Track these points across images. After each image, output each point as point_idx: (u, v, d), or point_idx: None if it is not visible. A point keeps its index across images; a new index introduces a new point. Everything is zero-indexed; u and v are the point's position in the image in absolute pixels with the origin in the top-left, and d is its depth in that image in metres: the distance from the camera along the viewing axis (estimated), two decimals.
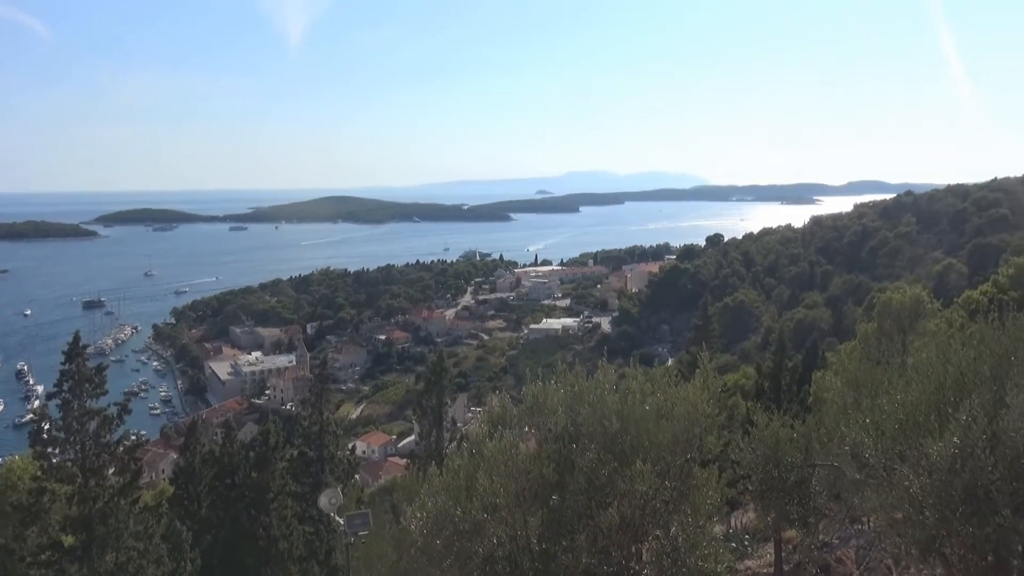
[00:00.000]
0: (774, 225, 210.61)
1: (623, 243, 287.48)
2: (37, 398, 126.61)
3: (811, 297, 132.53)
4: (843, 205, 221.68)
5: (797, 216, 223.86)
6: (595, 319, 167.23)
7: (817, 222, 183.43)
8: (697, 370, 10.01)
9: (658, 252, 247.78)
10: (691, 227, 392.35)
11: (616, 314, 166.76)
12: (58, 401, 19.05)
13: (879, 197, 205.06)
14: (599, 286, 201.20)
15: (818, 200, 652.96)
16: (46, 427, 19.38)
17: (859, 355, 17.59)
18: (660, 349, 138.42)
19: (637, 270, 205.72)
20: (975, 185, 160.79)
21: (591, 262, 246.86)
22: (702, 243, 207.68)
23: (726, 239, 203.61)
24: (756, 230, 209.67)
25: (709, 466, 9.41)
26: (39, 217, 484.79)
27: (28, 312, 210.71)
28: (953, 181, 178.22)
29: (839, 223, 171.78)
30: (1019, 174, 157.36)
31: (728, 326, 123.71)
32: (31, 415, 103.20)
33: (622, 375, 10.14)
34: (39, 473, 19.02)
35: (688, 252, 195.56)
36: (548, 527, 8.67)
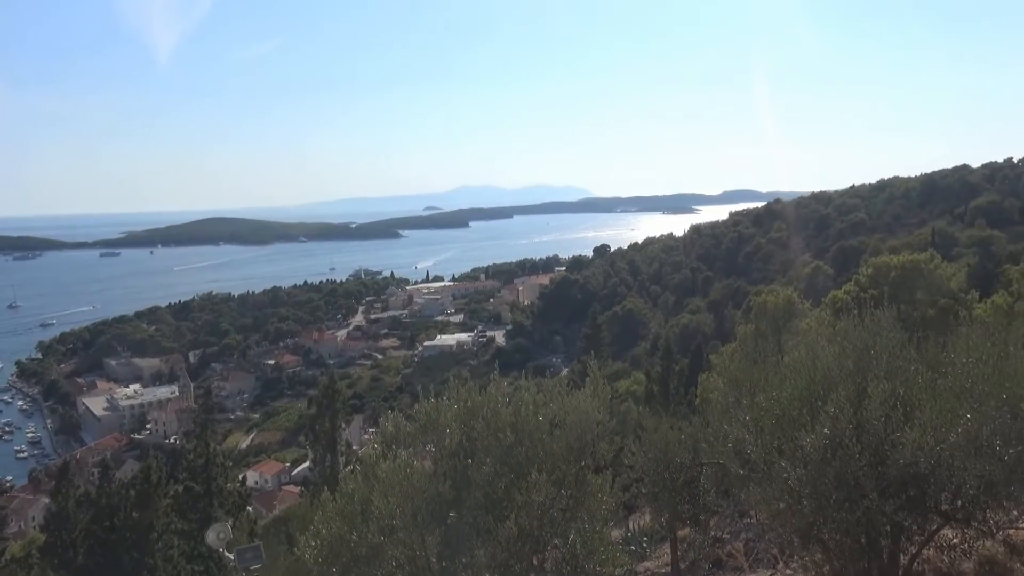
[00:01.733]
0: (657, 234, 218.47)
1: (514, 256, 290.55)
2: None
3: (694, 303, 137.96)
4: (719, 213, 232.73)
5: (678, 225, 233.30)
6: (489, 333, 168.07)
7: (696, 230, 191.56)
8: (588, 378, 10.21)
9: (548, 264, 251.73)
10: (579, 239, 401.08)
11: (510, 327, 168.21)
12: None
13: (751, 205, 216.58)
14: (491, 300, 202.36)
15: (697, 209, 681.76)
16: None
17: (739, 356, 18.46)
18: (554, 360, 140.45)
19: (528, 283, 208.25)
20: (836, 192, 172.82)
21: (483, 276, 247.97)
22: (590, 254, 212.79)
23: (612, 249, 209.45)
24: (640, 240, 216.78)
25: (603, 472, 9.59)
26: None
27: None
28: (816, 188, 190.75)
29: (716, 231, 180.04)
30: (874, 180, 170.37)
31: (618, 334, 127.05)
32: None
33: (516, 387, 10.20)
34: None
35: (577, 263, 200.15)
36: (447, 545, 8.59)
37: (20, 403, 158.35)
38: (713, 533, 13.04)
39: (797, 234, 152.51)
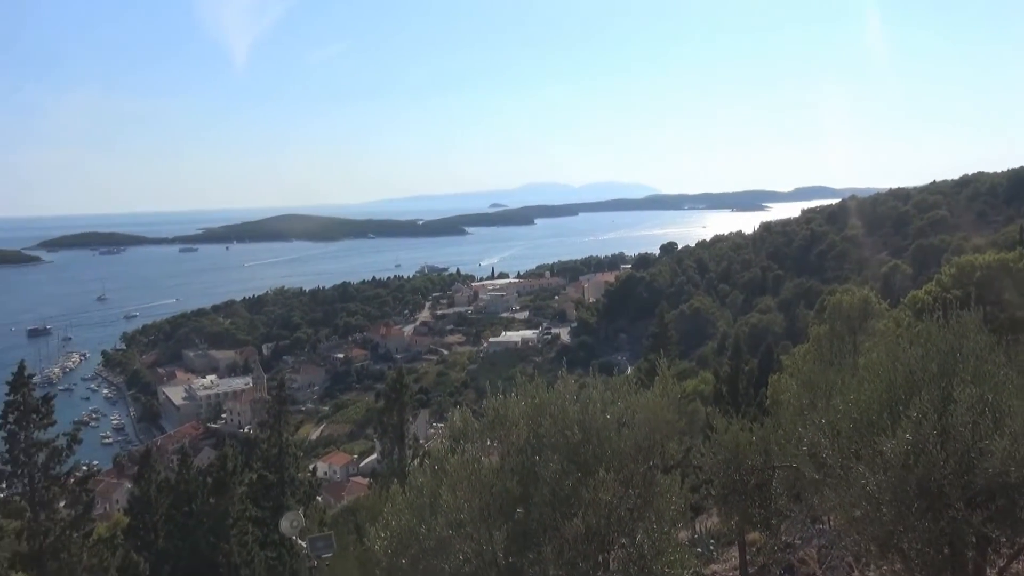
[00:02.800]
0: (726, 232, 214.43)
1: (579, 254, 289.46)
2: None
3: (764, 302, 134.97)
4: (791, 211, 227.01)
5: (748, 223, 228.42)
6: (554, 330, 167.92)
7: (767, 228, 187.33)
8: (656, 377, 10.09)
9: (614, 262, 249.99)
10: (645, 236, 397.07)
11: (574, 324, 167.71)
12: (3, 434, 18.47)
13: (825, 202, 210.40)
14: (556, 297, 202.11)
15: (767, 207, 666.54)
16: None
17: (812, 357, 17.97)
18: (619, 358, 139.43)
19: (594, 280, 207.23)
20: (915, 188, 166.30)
21: (548, 274, 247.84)
22: (656, 252, 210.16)
23: (680, 247, 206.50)
24: (708, 237, 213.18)
25: (671, 472, 9.47)
26: None
27: None
28: (894, 185, 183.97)
29: (788, 228, 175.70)
30: (956, 176, 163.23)
31: (685, 333, 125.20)
32: None
33: (582, 385, 10.16)
34: None
35: (643, 261, 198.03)
36: (514, 541, 8.62)
37: (105, 391, 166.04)
38: (784, 538, 12.73)
39: (873, 232, 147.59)
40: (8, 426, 18.38)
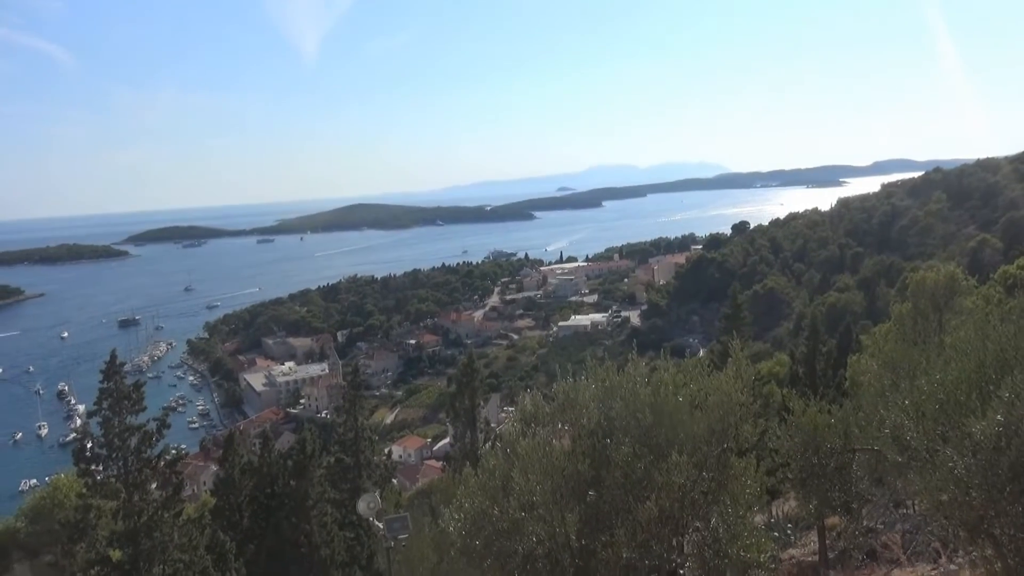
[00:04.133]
0: (801, 209, 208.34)
1: (648, 236, 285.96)
2: (78, 417, 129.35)
3: (842, 280, 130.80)
4: (870, 186, 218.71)
5: (824, 199, 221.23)
6: (624, 313, 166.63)
7: (845, 204, 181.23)
8: (729, 359, 9.90)
9: (684, 243, 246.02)
10: (715, 216, 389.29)
11: (645, 307, 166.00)
12: (99, 419, 19.38)
13: (907, 176, 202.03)
14: (626, 280, 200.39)
15: (844, 182, 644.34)
16: (89, 445, 19.72)
17: (895, 336, 17.33)
18: (690, 340, 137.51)
19: (663, 262, 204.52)
20: (1006, 159, 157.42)
21: (617, 256, 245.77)
22: (728, 232, 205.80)
23: (752, 226, 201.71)
24: (782, 216, 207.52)
25: (746, 455, 9.31)
26: (71, 240, 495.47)
27: (65, 334, 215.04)
28: (983, 155, 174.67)
29: (867, 204, 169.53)
30: None
31: (759, 314, 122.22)
32: (74, 434, 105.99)
33: (653, 368, 10.06)
34: (84, 490, 19.37)
35: (714, 241, 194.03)
36: (586, 523, 8.63)
37: (191, 379, 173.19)
38: (866, 523, 12.37)
39: (959, 205, 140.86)
40: (103, 411, 19.27)
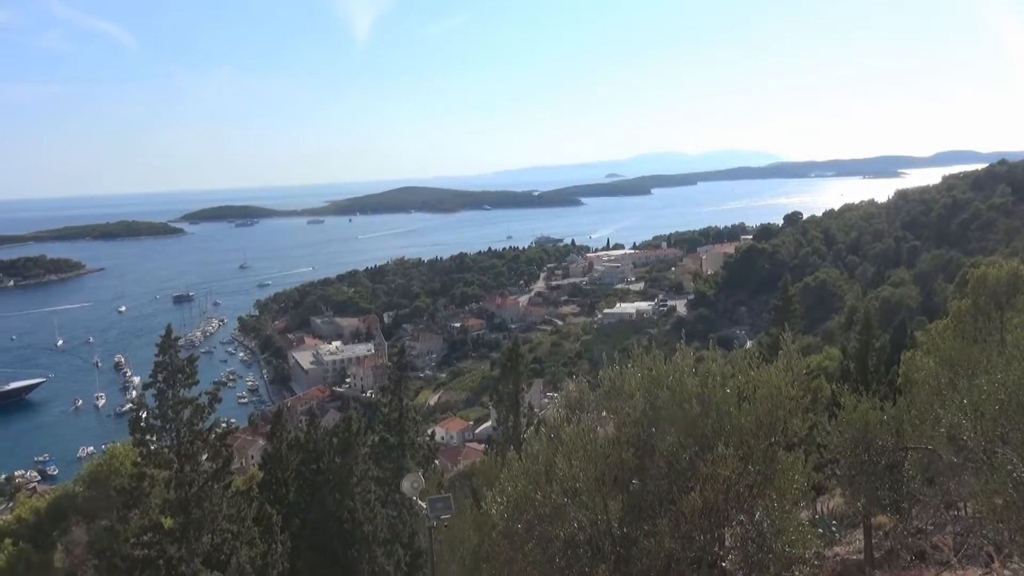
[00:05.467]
0: (856, 200, 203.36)
1: (697, 224, 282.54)
2: (134, 388, 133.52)
3: (897, 274, 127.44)
4: (931, 177, 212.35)
5: (881, 191, 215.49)
6: (670, 302, 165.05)
7: (903, 196, 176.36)
8: (779, 352, 9.73)
9: (734, 233, 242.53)
10: (768, 206, 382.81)
11: (691, 297, 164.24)
12: (154, 391, 19.99)
13: (970, 168, 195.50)
14: (673, 269, 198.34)
15: (903, 173, 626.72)
16: (144, 416, 20.36)
17: (952, 334, 16.81)
18: (738, 331, 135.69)
19: (712, 251, 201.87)
20: None
21: (664, 245, 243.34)
22: (780, 222, 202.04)
23: (805, 217, 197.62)
24: (837, 207, 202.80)
25: (794, 450, 9.16)
26: (130, 217, 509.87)
27: (123, 308, 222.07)
28: None
29: (927, 196, 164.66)
30: None
31: (809, 307, 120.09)
32: (130, 405, 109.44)
33: (700, 358, 9.95)
34: (139, 459, 20.02)
35: (765, 232, 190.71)
36: (629, 511, 8.60)
37: (241, 355, 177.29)
38: (915, 523, 12.08)
39: None
40: (158, 384, 19.87)
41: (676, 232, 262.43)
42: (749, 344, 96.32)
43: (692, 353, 9.80)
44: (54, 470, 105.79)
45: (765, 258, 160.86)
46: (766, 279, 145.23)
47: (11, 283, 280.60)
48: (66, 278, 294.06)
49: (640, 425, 8.96)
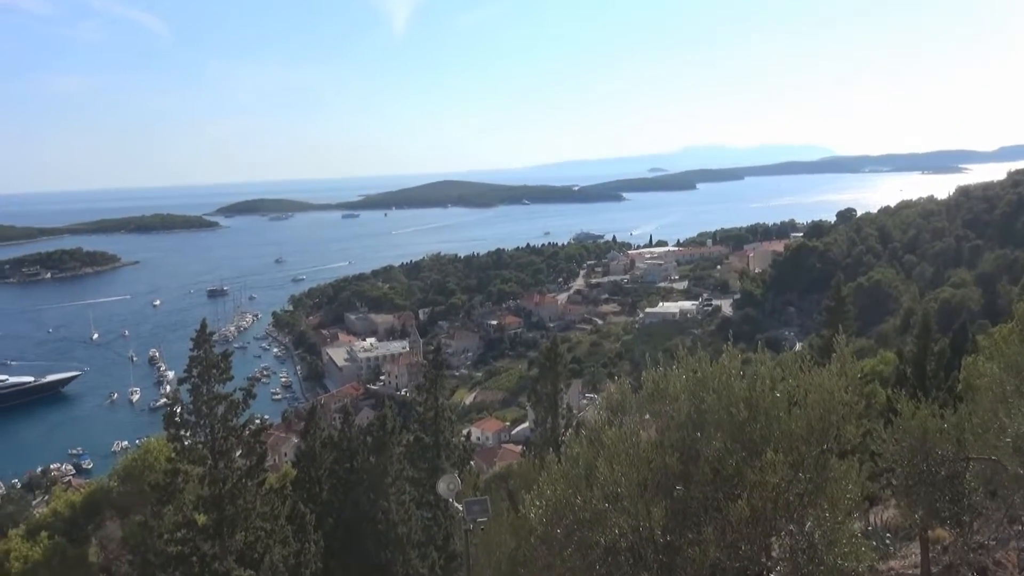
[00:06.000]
0: (914, 197, 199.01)
1: (744, 221, 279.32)
2: (168, 383, 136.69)
3: (958, 275, 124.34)
4: (995, 173, 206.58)
5: (941, 187, 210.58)
6: (715, 302, 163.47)
7: (964, 192, 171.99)
8: (832, 354, 9.57)
9: (783, 230, 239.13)
10: (819, 202, 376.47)
11: (738, 296, 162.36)
12: (188, 386, 20.38)
13: None
14: (719, 267, 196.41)
15: (965, 168, 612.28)
16: (178, 411, 20.80)
17: (1018, 338, 16.35)
18: (787, 333, 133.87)
19: (760, 249, 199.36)
20: None
21: (710, 242, 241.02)
22: (832, 219, 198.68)
23: (859, 214, 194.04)
24: (892, 203, 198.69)
25: (847, 458, 9.01)
26: (164, 210, 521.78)
27: (157, 302, 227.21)
28: None
29: (990, 193, 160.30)
30: None
31: (863, 308, 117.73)
32: (164, 399, 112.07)
33: (747, 360, 9.84)
34: (173, 455, 20.44)
35: (816, 229, 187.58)
36: (673, 518, 8.55)
37: (275, 351, 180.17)
38: (977, 537, 11.80)
39: None
40: (192, 379, 20.24)
41: (722, 229, 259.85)
42: (799, 346, 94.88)
43: (739, 355, 9.69)
44: (89, 464, 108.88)
45: (816, 256, 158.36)
46: (817, 279, 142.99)
47: (48, 275, 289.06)
48: (101, 271, 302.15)
49: (685, 429, 8.90)
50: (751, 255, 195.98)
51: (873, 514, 17.09)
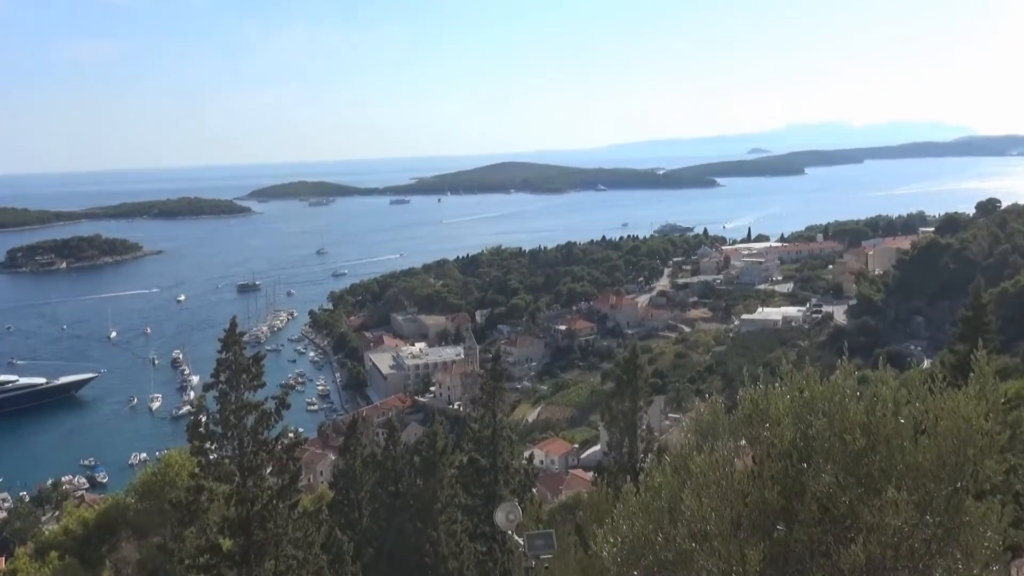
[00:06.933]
0: None
1: (862, 213, 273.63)
2: (192, 389, 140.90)
3: None
4: None
5: None
6: (825, 308, 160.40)
7: None
8: (969, 374, 9.29)
9: (909, 224, 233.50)
10: (954, 191, 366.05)
11: (853, 302, 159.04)
12: (215, 393, 20.89)
13: None
14: (830, 267, 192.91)
15: None
16: (203, 421, 21.33)
17: None
18: (913, 347, 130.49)
19: (881, 246, 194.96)
20: None
21: (820, 237, 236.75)
22: (970, 211, 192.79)
23: (1003, 205, 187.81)
24: None
25: (986, 498, 8.74)
26: (192, 193, 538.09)
27: (182, 297, 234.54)
28: None
29: None
30: None
31: (1009, 319, 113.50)
32: (187, 407, 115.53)
33: (865, 379, 9.64)
34: (197, 470, 21.02)
35: (951, 223, 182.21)
36: (771, 563, 8.42)
37: (312, 354, 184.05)
38: None
39: None
40: (220, 385, 20.73)
41: (835, 221, 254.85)
42: (927, 363, 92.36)
43: (855, 372, 9.49)
44: (103, 477, 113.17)
45: (950, 256, 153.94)
46: (951, 282, 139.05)
47: (63, 265, 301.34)
48: (122, 261, 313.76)
49: (788, 459, 8.74)
50: (870, 253, 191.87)
51: (1016, 567, 16.55)
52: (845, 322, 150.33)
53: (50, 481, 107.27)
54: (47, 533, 28.97)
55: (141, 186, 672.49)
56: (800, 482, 8.55)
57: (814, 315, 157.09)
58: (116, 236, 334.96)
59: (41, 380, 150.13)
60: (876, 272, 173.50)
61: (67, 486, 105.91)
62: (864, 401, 8.98)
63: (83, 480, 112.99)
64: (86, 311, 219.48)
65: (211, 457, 21.04)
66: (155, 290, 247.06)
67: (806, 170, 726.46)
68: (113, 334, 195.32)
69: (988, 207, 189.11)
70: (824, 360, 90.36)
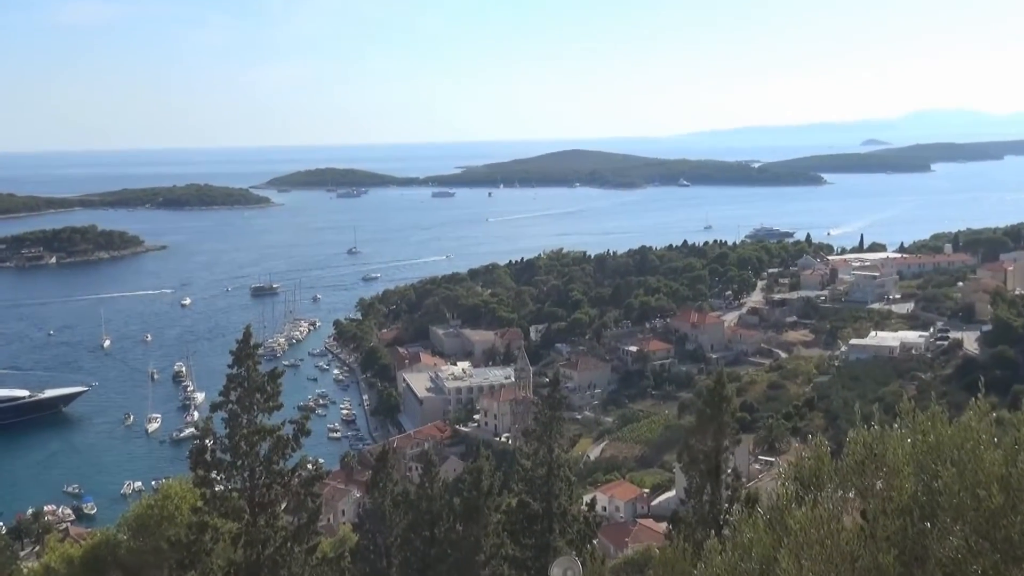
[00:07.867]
0: None
1: (1001, 219, 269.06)
2: (197, 408, 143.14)
3: None
4: None
5: None
6: (954, 334, 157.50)
7: None
8: None
9: None
10: None
11: (988, 328, 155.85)
12: (224, 414, 21.15)
13: None
14: (961, 284, 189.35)
15: None
16: (209, 446, 21.62)
17: None
18: None
19: (1023, 261, 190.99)
20: None
21: (949, 247, 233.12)
22: None
23: None
24: None
25: None
26: (202, 179, 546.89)
27: (187, 301, 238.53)
28: None
29: None
30: None
31: None
32: (191, 429, 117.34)
33: (1002, 421, 9.47)
34: (200, 504, 21.32)
35: None
36: None
37: (336, 372, 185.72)
38: None
39: None
40: (230, 405, 20.97)
41: (968, 229, 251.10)
42: None
43: (990, 412, 9.35)
44: (92, 508, 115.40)
45: None
46: None
47: (52, 259, 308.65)
48: (119, 256, 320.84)
49: (908, 516, 8.65)
50: (1010, 269, 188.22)
51: None
52: (977, 351, 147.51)
53: (31, 511, 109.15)
54: (25, 572, 29.63)
55: (144, 169, 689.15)
56: (922, 545, 8.45)
57: (939, 342, 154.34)
58: (114, 228, 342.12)
59: (23, 393, 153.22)
60: (1017, 291, 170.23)
61: (50, 517, 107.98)
62: (1002, 448, 8.84)
63: (68, 511, 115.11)
64: (77, 314, 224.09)
65: (217, 489, 21.30)
66: (150, 292, 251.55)
67: (933, 166, 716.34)
68: (107, 342, 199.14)
69: None
70: (951, 397, 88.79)
